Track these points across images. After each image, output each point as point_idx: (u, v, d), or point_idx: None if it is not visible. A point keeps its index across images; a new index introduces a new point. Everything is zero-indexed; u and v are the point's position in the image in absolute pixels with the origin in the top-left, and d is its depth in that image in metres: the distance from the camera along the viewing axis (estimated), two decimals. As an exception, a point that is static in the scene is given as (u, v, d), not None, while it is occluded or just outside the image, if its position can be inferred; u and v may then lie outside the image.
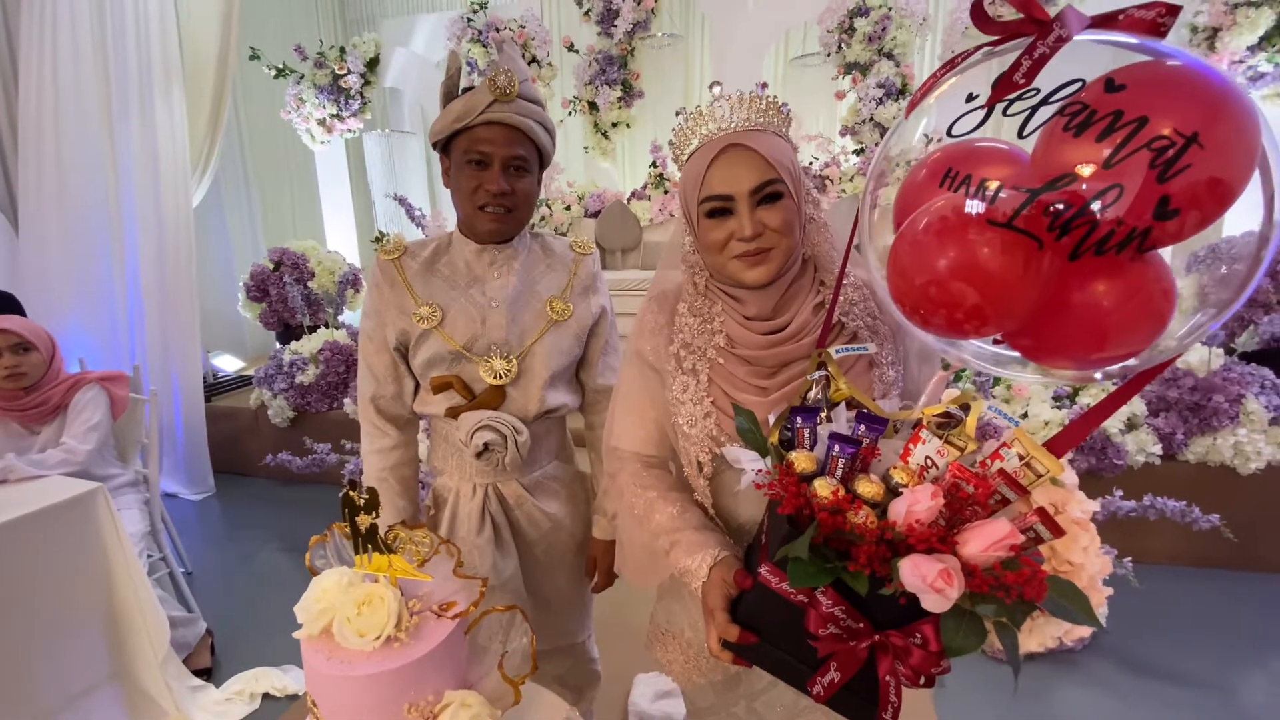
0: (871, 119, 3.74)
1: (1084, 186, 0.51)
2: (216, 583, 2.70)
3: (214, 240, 5.08)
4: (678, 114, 0.89)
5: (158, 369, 3.41)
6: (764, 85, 4.00)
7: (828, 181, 3.80)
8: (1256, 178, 0.51)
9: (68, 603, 1.62)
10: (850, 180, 3.74)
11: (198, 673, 2.02)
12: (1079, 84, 0.53)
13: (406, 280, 1.20)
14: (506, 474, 1.26)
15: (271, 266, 4.09)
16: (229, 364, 4.54)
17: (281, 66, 4.46)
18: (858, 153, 3.91)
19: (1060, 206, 0.52)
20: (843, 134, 3.92)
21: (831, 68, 3.94)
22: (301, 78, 4.50)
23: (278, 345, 4.08)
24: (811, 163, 3.98)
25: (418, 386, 1.26)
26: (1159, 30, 0.53)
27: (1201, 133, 0.48)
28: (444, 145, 1.16)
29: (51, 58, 3.06)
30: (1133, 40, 0.53)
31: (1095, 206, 0.51)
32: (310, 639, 0.82)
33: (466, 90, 1.13)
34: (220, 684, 2.01)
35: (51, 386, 2.09)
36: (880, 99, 3.69)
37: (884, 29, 3.67)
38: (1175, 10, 0.52)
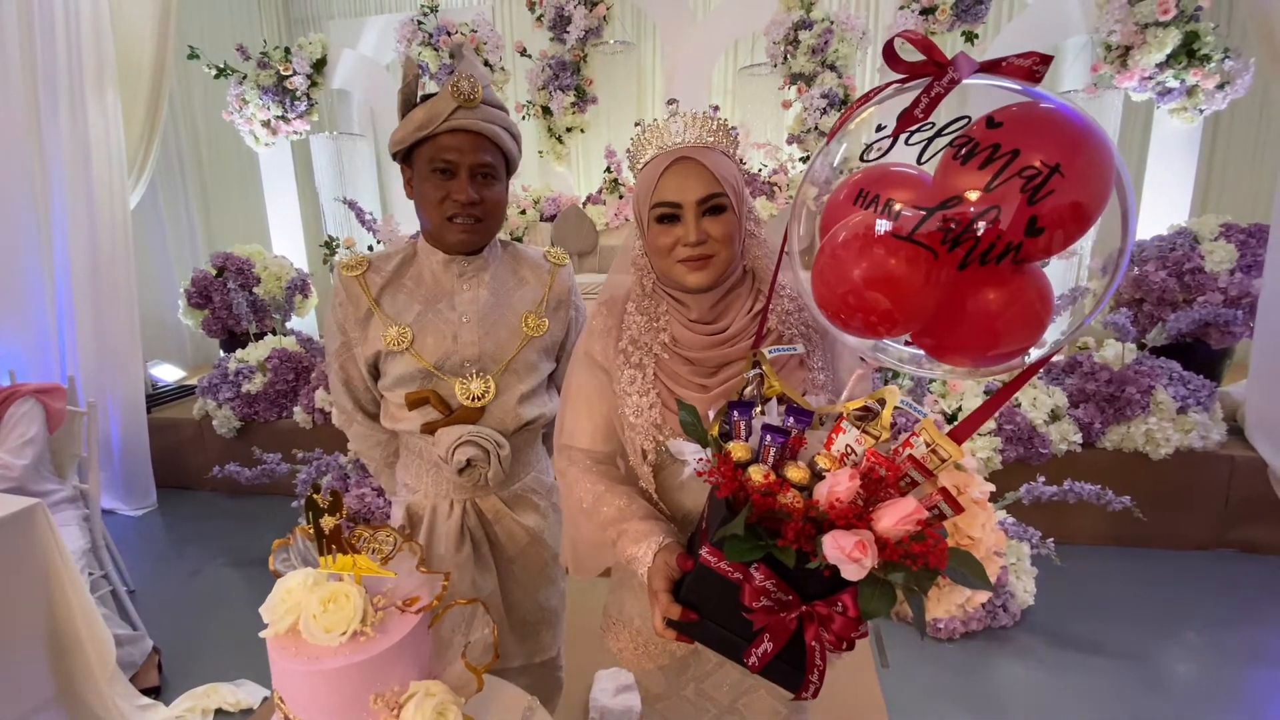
0: (816, 128, 3.89)
1: (970, 208, 0.59)
2: (162, 599, 2.61)
3: (151, 245, 4.87)
4: (636, 124, 0.96)
5: (92, 380, 3.26)
6: (716, 107, 4.15)
7: (776, 188, 3.93)
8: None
9: (9, 623, 1.57)
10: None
11: (146, 691, 1.97)
12: (966, 120, 0.61)
13: (372, 298, 1.15)
14: (486, 488, 1.21)
15: (214, 272, 3.97)
16: (169, 374, 4.37)
17: (223, 66, 4.33)
18: (804, 160, 4.05)
19: (951, 223, 0.60)
20: (789, 142, 4.06)
21: (778, 78, 4.07)
22: (244, 78, 4.38)
23: (221, 353, 3.96)
24: (760, 169, 4.10)
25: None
26: (1034, 76, 0.62)
27: (1063, 164, 0.57)
28: (404, 155, 1.12)
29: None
30: (1015, 86, 0.62)
31: (979, 224, 0.59)
32: (276, 638, 0.84)
33: (426, 97, 1.09)
34: (170, 702, 1.97)
35: (-18, 400, 2.01)
36: (824, 109, 3.85)
37: (826, 42, 3.83)
38: (1048, 60, 0.61)
